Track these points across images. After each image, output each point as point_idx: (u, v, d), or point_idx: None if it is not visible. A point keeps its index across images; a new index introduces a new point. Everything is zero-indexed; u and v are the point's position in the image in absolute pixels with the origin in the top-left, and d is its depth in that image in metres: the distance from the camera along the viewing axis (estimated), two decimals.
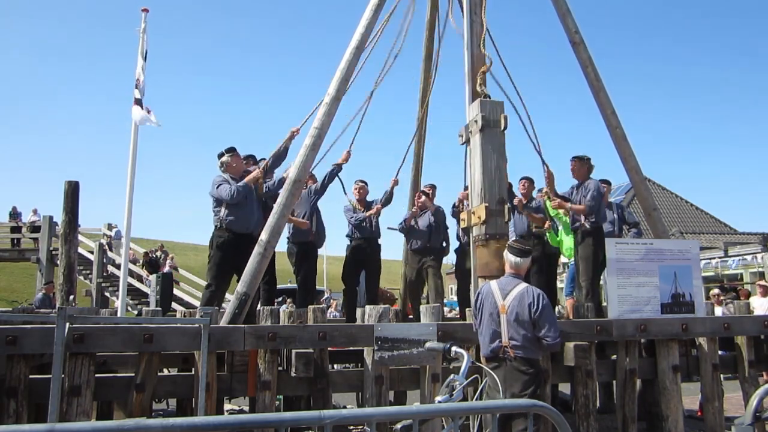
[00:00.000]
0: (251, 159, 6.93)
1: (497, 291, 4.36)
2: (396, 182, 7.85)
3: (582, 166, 7.00)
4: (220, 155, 6.35)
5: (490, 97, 5.68)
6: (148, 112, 7.95)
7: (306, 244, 7.17)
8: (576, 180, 7.04)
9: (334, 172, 7.19)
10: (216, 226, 6.19)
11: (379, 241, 7.73)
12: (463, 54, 6.18)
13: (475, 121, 5.50)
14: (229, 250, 6.07)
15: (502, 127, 5.44)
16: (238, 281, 6.27)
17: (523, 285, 4.32)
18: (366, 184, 7.80)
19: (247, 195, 6.21)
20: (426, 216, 7.79)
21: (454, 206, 8.01)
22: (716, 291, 11.37)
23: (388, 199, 7.79)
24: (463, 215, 5.88)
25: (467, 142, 5.81)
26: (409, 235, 7.95)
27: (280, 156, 6.83)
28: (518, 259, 4.40)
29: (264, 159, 7.04)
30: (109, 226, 20.51)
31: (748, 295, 12.26)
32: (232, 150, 6.36)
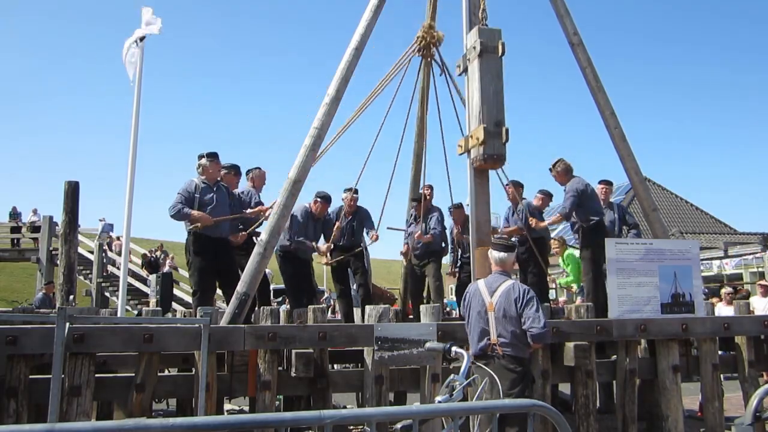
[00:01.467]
0: (234, 169, 6.86)
1: (484, 289, 4.36)
2: (375, 238, 7.46)
3: (558, 172, 7.16)
4: (200, 157, 6.35)
5: (488, 26, 5.67)
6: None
7: (287, 252, 7.16)
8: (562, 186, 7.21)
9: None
10: (189, 232, 6.20)
11: (362, 244, 7.74)
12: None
13: (474, 48, 5.51)
14: (207, 255, 6.12)
15: (500, 53, 5.44)
16: (220, 286, 6.32)
17: (510, 281, 4.32)
18: (356, 192, 7.66)
19: (220, 199, 6.24)
20: (423, 225, 7.82)
21: (451, 232, 8.24)
22: (729, 290, 11.41)
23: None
24: (461, 142, 5.85)
25: (465, 71, 5.81)
26: (408, 239, 8.02)
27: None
28: (502, 254, 4.40)
29: (257, 168, 7.15)
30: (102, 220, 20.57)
31: (748, 295, 12.28)
32: (213, 156, 6.37)
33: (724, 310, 9.66)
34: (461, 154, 5.85)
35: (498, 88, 5.45)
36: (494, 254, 4.45)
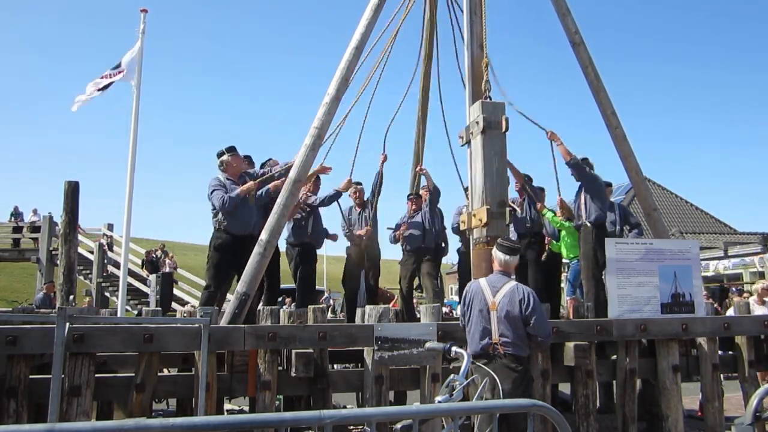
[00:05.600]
0: (246, 159, 6.84)
1: (487, 288, 4.35)
2: (384, 158, 7.79)
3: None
4: (220, 154, 6.33)
5: (491, 98, 5.67)
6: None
7: (303, 245, 7.17)
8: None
9: (334, 197, 7.24)
10: (215, 228, 6.19)
11: (379, 239, 7.75)
12: (463, 54, 6.17)
13: (477, 123, 5.49)
14: (227, 251, 6.08)
15: (504, 129, 5.43)
16: (238, 282, 6.30)
17: (513, 282, 4.34)
18: (361, 185, 7.80)
19: (245, 197, 6.19)
20: (418, 216, 7.79)
21: (453, 225, 8.13)
22: (764, 284, 10.31)
23: (379, 185, 7.78)
24: (463, 217, 5.88)
25: (468, 143, 5.80)
26: (403, 237, 7.99)
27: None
28: (507, 256, 4.41)
29: (271, 159, 7.01)
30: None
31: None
32: (232, 149, 6.34)
33: (759, 309, 8.32)
34: (464, 230, 5.88)
35: (501, 166, 5.47)
36: (499, 255, 4.45)
